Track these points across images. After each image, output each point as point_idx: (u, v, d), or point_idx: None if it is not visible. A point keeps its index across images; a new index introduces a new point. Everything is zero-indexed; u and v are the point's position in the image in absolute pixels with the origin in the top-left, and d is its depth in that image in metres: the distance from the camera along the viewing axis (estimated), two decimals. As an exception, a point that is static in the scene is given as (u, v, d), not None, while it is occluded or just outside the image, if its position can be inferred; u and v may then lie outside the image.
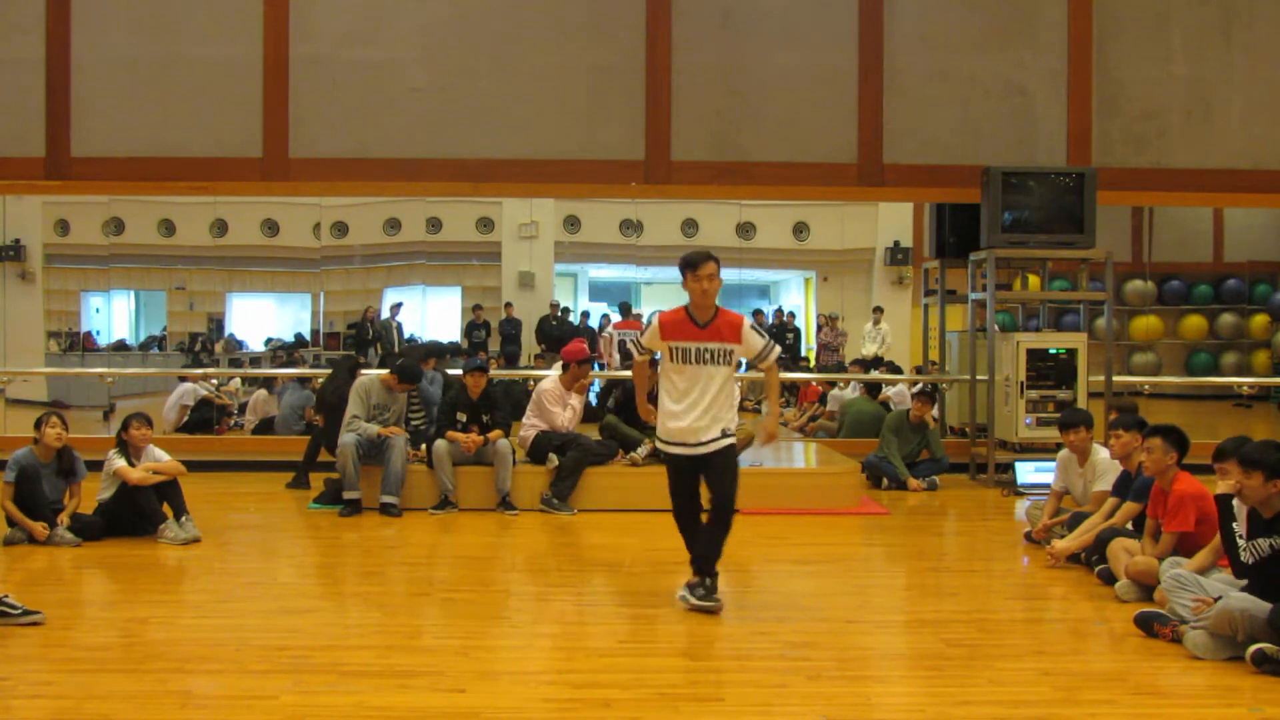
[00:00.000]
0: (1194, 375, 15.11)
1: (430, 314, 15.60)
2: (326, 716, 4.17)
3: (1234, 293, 15.51)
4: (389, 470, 8.28)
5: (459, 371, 9.42)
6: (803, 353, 16.03)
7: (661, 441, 5.71)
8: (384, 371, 8.89)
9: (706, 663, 4.91)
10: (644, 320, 15.67)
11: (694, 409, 5.56)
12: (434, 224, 15.13)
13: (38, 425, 7.19)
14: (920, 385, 10.83)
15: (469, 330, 15.30)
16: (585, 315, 16.05)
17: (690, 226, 15.03)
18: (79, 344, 14.70)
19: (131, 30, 10.43)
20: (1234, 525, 5.07)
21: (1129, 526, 6.43)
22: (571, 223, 15.48)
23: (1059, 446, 7.70)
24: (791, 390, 14.04)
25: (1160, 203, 12.94)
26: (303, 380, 11.76)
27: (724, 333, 5.60)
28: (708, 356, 5.58)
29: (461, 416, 8.55)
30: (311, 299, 15.42)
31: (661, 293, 17.17)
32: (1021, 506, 8.71)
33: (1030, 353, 9.79)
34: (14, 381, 11.79)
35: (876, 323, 15.06)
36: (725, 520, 5.63)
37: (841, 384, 12.86)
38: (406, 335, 14.76)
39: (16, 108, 10.33)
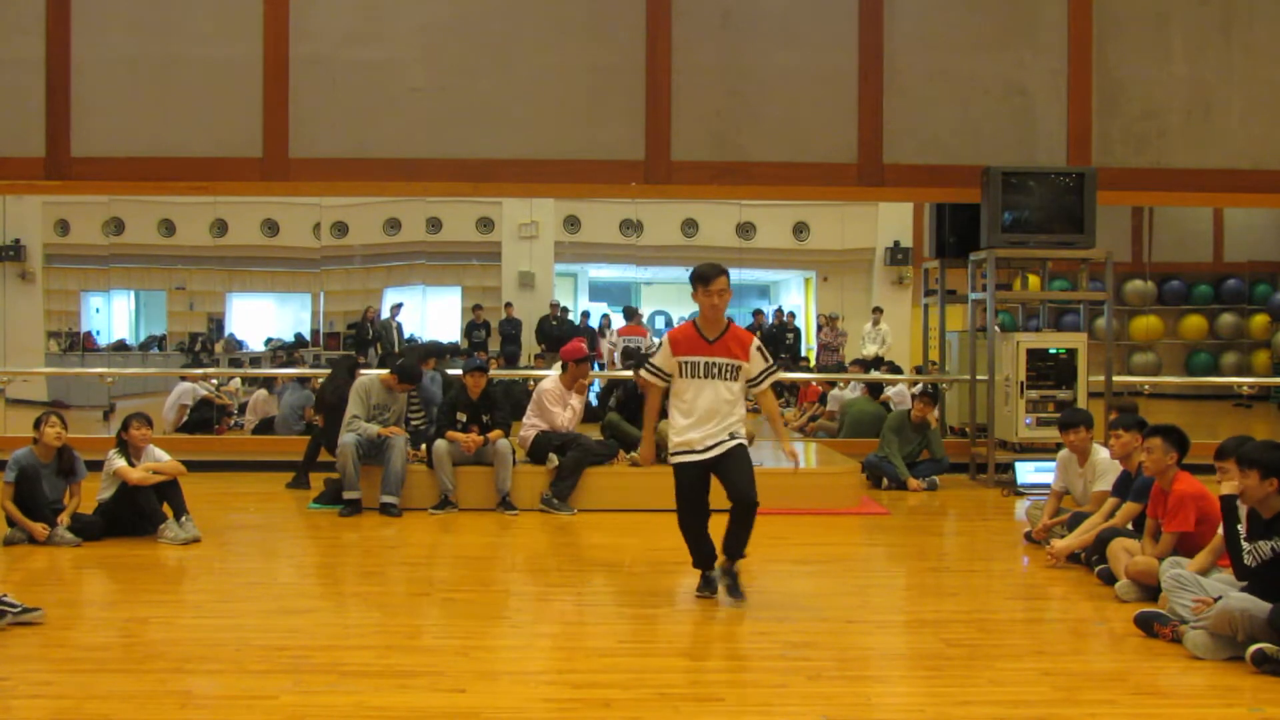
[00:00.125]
0: (1194, 375, 15.11)
1: (430, 314, 15.60)
2: (326, 716, 4.17)
3: (1234, 293, 15.51)
4: (389, 470, 8.28)
5: (459, 371, 9.42)
6: (803, 353, 16.03)
7: (671, 454, 5.72)
8: (384, 371, 8.89)
9: (706, 663, 4.92)
10: (645, 322, 15.70)
11: (704, 424, 5.59)
12: (434, 224, 15.13)
13: (37, 425, 7.19)
14: (921, 385, 10.83)
15: (469, 330, 15.30)
16: (585, 315, 16.05)
17: (690, 226, 15.03)
18: (79, 344, 14.70)
19: (131, 30, 10.43)
20: (1238, 527, 5.07)
21: (1129, 527, 6.43)
22: (571, 223, 15.48)
23: (1059, 446, 7.70)
24: (791, 390, 14.05)
25: (1160, 203, 12.94)
26: (303, 380, 11.76)
27: (733, 348, 5.64)
28: (716, 371, 5.61)
29: (461, 416, 8.55)
30: (311, 299, 15.42)
31: (661, 293, 17.20)
32: (1021, 506, 8.71)
33: (1030, 353, 9.79)
34: (14, 381, 11.80)
35: (876, 323, 15.06)
36: (748, 517, 5.63)
37: (841, 384, 12.86)
38: (406, 335, 14.76)
39: (16, 108, 10.33)
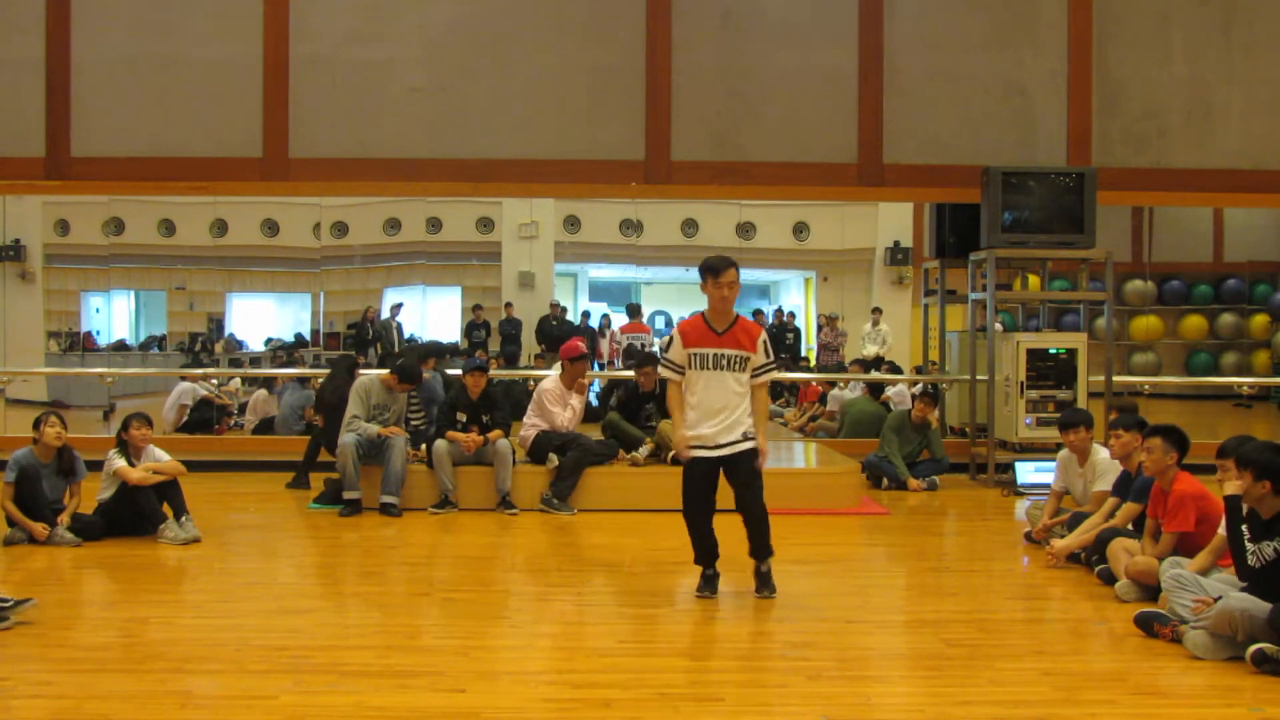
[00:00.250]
0: (1194, 375, 15.12)
1: (430, 314, 15.60)
2: (326, 716, 4.17)
3: (1234, 293, 15.52)
4: (389, 470, 8.28)
5: (459, 371, 9.42)
6: (803, 353, 16.03)
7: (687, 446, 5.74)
8: (384, 371, 8.89)
9: (706, 663, 4.92)
10: (646, 320, 15.69)
11: (713, 415, 5.61)
12: (434, 224, 15.13)
13: (37, 425, 7.18)
14: (921, 385, 10.83)
15: (469, 330, 15.30)
16: (585, 315, 16.05)
17: (690, 226, 15.03)
18: (79, 344, 14.70)
19: (131, 30, 10.43)
20: (1242, 528, 5.06)
21: (1129, 527, 6.43)
22: (571, 223, 15.48)
23: (1059, 446, 7.70)
24: (791, 390, 14.04)
25: (1160, 203, 12.94)
26: (302, 380, 11.76)
27: (741, 340, 5.66)
28: (724, 363, 5.63)
29: (461, 416, 8.55)
30: (311, 299, 15.42)
31: (661, 293, 17.20)
32: (1021, 506, 8.71)
33: (1030, 353, 9.79)
34: (14, 381, 11.80)
35: (875, 323, 15.06)
36: (760, 526, 5.75)
37: (841, 384, 12.87)
38: (406, 335, 14.76)
39: (16, 108, 10.33)
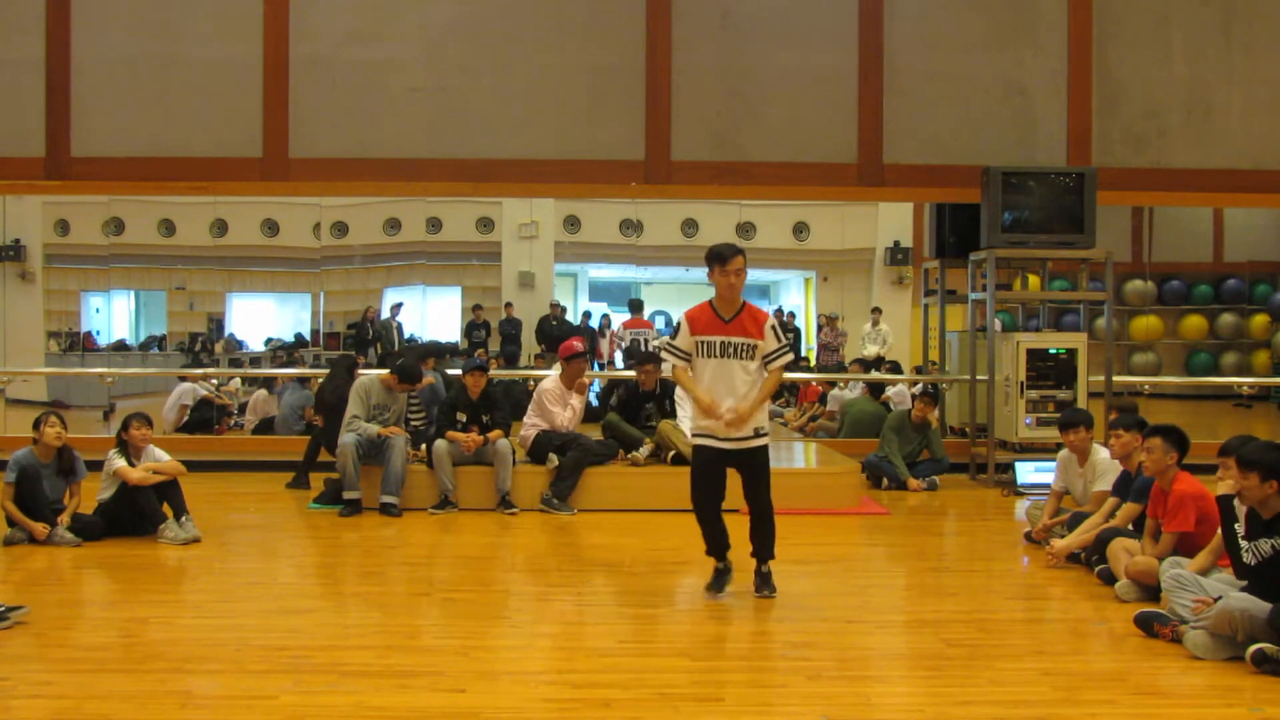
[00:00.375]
0: (1194, 375, 15.11)
1: (430, 314, 15.60)
2: (326, 716, 4.17)
3: (1234, 293, 15.51)
4: (389, 470, 8.28)
5: (459, 371, 9.42)
6: (803, 353, 16.03)
7: (692, 435, 5.76)
8: (384, 371, 8.89)
9: (706, 663, 4.91)
10: (647, 317, 15.68)
11: (720, 403, 5.58)
12: (434, 224, 15.13)
13: (37, 425, 7.19)
14: (921, 385, 10.83)
15: (469, 330, 15.30)
16: (586, 315, 16.05)
17: (690, 226, 15.03)
18: (79, 344, 14.70)
19: (131, 30, 10.43)
20: (1235, 526, 5.07)
21: (1129, 527, 6.43)
22: (571, 223, 15.48)
23: (1059, 446, 7.70)
24: (791, 390, 14.04)
25: (1160, 203, 12.94)
26: (302, 380, 11.77)
27: (748, 327, 5.63)
28: (732, 350, 5.61)
29: (461, 416, 8.55)
30: (311, 299, 15.42)
31: (661, 293, 17.19)
32: (1021, 506, 8.71)
33: (1030, 353, 9.79)
34: (14, 381, 11.80)
35: (875, 323, 15.06)
36: (765, 522, 5.77)
37: (841, 384, 12.87)
38: (406, 335, 14.77)
39: (16, 108, 10.33)
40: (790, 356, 5.75)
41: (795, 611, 5.64)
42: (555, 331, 14.96)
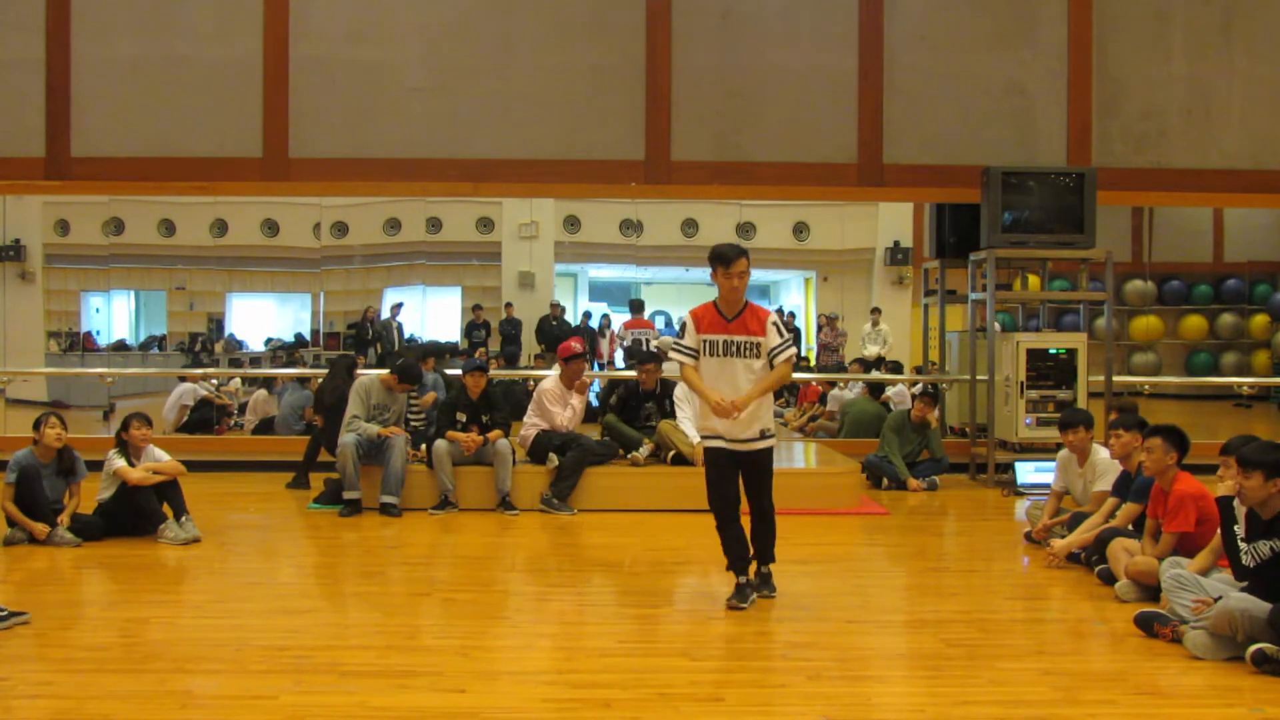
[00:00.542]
0: (1194, 375, 15.12)
1: (430, 314, 15.60)
2: (326, 716, 4.17)
3: (1234, 293, 15.52)
4: (389, 470, 8.28)
5: (459, 371, 9.42)
6: (803, 353, 16.04)
7: (701, 436, 5.77)
8: (384, 371, 8.89)
9: (706, 663, 4.91)
10: (647, 317, 15.69)
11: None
12: (434, 224, 15.13)
13: (37, 426, 7.18)
14: (921, 385, 10.83)
15: (469, 330, 15.29)
16: (586, 315, 16.05)
17: (690, 226, 15.03)
18: (79, 344, 14.70)
19: (132, 30, 10.43)
20: (1235, 528, 5.07)
21: (1129, 527, 6.43)
22: (571, 223, 15.48)
23: (1059, 446, 7.70)
24: (791, 390, 14.04)
25: (1160, 203, 12.94)
26: (302, 380, 11.77)
27: (751, 325, 5.63)
28: (735, 349, 5.61)
29: (461, 416, 8.55)
30: (311, 299, 15.42)
31: (661, 293, 17.19)
32: (1021, 506, 8.71)
33: (1030, 353, 9.79)
34: (14, 381, 11.79)
35: (875, 324, 15.06)
36: (765, 523, 5.78)
37: (841, 384, 12.87)
38: (406, 335, 14.77)
39: (16, 108, 10.33)
40: (794, 350, 5.73)
41: (795, 611, 5.64)
42: (555, 331, 14.96)
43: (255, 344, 15.43)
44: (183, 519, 7.25)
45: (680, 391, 8.75)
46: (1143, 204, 13.44)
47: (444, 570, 6.87)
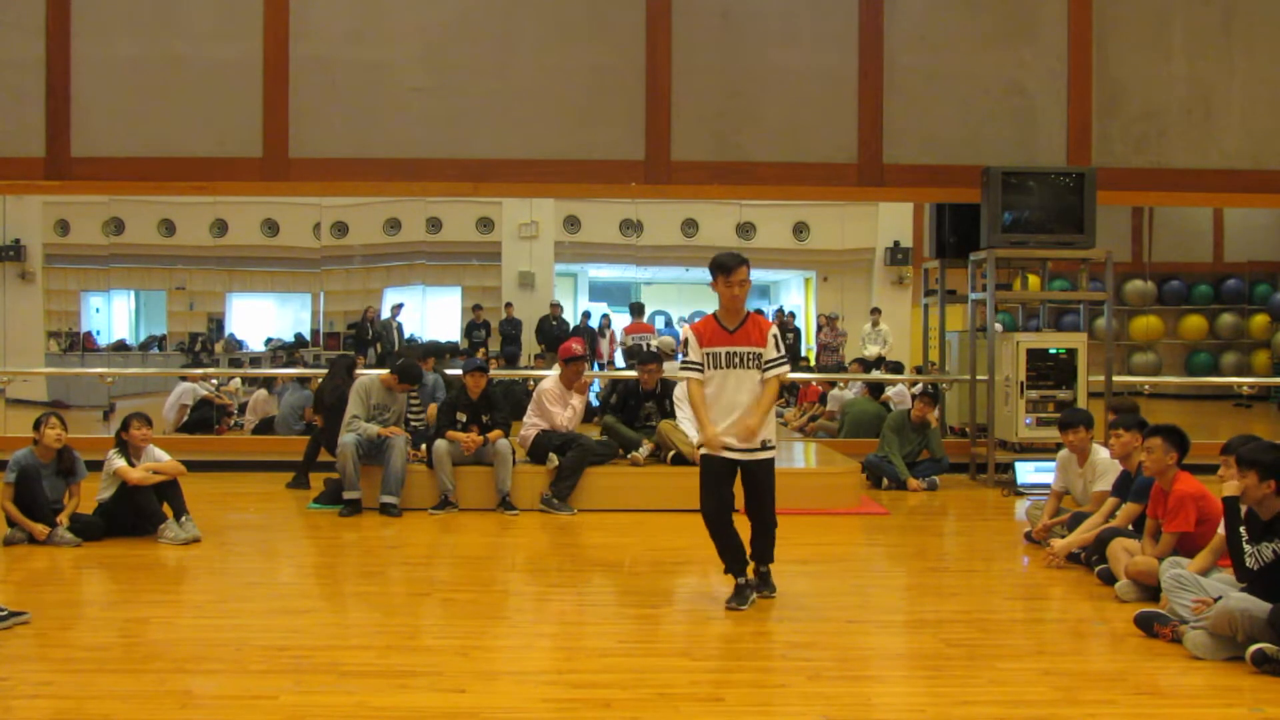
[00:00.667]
0: (1194, 375, 15.13)
1: (430, 314, 15.60)
2: (326, 716, 4.17)
3: (1234, 293, 15.53)
4: (389, 470, 8.28)
5: (459, 371, 9.41)
6: (803, 353, 16.04)
7: (699, 446, 5.73)
8: (384, 371, 8.89)
9: (706, 663, 4.91)
10: (647, 320, 15.69)
11: (728, 415, 5.57)
12: (434, 224, 15.14)
13: (36, 426, 7.18)
14: (921, 385, 10.83)
15: (469, 330, 15.30)
16: (585, 315, 16.05)
17: (690, 226, 15.03)
18: (79, 344, 14.70)
19: (132, 30, 10.43)
20: (1240, 529, 5.06)
21: (1129, 527, 6.43)
22: (571, 223, 15.48)
23: (1059, 446, 7.70)
24: (791, 390, 14.04)
25: (1160, 203, 12.94)
26: (302, 380, 11.77)
27: (753, 336, 5.62)
28: (738, 360, 5.59)
29: (461, 416, 8.55)
30: (311, 299, 15.42)
31: (661, 293, 17.20)
32: (1021, 506, 8.71)
33: (1030, 353, 9.79)
34: (14, 381, 11.79)
35: (875, 324, 15.06)
36: (769, 531, 5.76)
37: (841, 384, 12.87)
38: (406, 335, 14.77)
39: (16, 108, 10.33)
40: (787, 368, 5.74)
41: (795, 611, 5.64)
42: (555, 331, 14.97)
43: (255, 344, 15.43)
44: (183, 519, 7.25)
45: (679, 391, 8.75)
46: (1143, 204, 13.44)
47: (444, 570, 6.87)
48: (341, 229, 15.00)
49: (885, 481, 9.61)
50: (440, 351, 11.20)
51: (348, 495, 8.28)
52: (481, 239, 15.64)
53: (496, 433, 8.47)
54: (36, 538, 6.99)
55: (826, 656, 4.92)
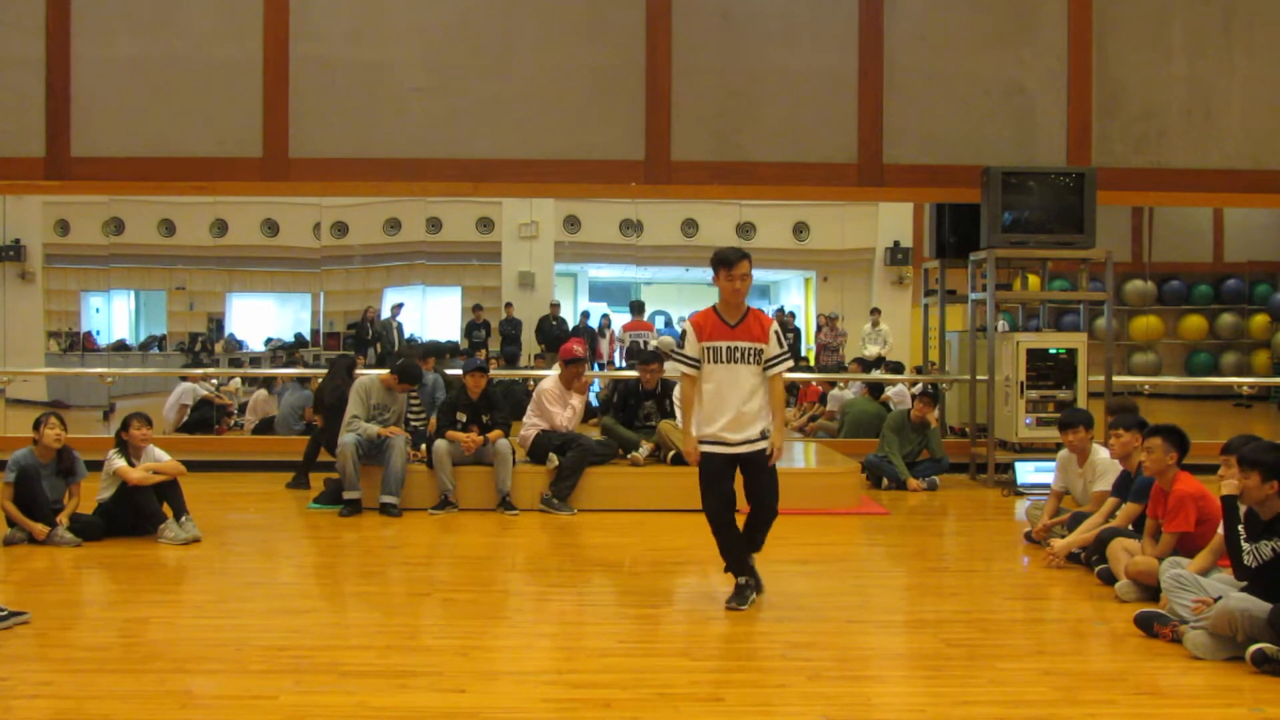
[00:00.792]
0: (1194, 375, 15.13)
1: (430, 314, 15.60)
2: (326, 716, 4.17)
3: (1234, 293, 15.53)
4: (389, 470, 8.28)
5: (459, 371, 9.41)
6: (803, 353, 16.04)
7: (699, 442, 5.68)
8: (384, 371, 8.89)
9: (706, 663, 4.91)
10: (647, 317, 15.69)
11: (728, 410, 5.55)
12: (434, 224, 15.14)
13: (36, 426, 7.18)
14: (921, 385, 10.83)
15: (469, 330, 15.30)
16: (585, 315, 16.05)
17: (690, 226, 15.03)
18: (79, 344, 14.70)
19: (132, 30, 10.43)
20: (1239, 528, 5.06)
21: (1129, 527, 6.43)
22: (571, 223, 15.48)
23: (1059, 446, 7.70)
24: (791, 390, 14.04)
25: (1160, 203, 12.94)
26: (302, 380, 11.77)
27: (754, 331, 5.61)
28: (739, 355, 5.58)
29: (461, 416, 8.55)
30: (311, 299, 15.42)
31: (661, 293, 17.20)
32: (1021, 506, 8.71)
33: (1030, 353, 9.78)
34: (14, 381, 11.79)
35: (875, 324, 15.06)
36: (767, 522, 5.72)
37: (841, 384, 12.87)
38: (406, 335, 14.77)
39: (16, 108, 10.32)
40: (790, 363, 5.74)
41: (795, 611, 5.64)
42: (555, 331, 14.97)
43: (255, 344, 15.43)
44: (183, 519, 7.25)
45: (680, 391, 8.75)
46: (1143, 204, 13.44)
47: (444, 570, 6.87)
48: (341, 229, 15.00)
49: (885, 481, 9.61)
50: (440, 351, 11.20)
51: (348, 495, 8.28)
52: (481, 239, 15.64)
53: (496, 433, 8.47)
54: (36, 538, 6.99)
55: (826, 656, 4.92)
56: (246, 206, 14.37)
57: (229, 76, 10.39)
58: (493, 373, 10.14)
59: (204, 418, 12.08)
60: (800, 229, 15.94)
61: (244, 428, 12.26)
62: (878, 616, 5.75)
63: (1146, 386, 12.25)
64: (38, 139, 10.34)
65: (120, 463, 7.26)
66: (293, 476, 9.59)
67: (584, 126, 10.54)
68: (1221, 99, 10.64)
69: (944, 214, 11.01)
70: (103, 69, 10.39)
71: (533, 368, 14.11)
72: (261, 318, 15.85)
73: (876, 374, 12.63)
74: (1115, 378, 10.40)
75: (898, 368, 13.22)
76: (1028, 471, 9.49)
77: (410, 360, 8.87)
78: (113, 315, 15.36)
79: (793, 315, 16.42)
